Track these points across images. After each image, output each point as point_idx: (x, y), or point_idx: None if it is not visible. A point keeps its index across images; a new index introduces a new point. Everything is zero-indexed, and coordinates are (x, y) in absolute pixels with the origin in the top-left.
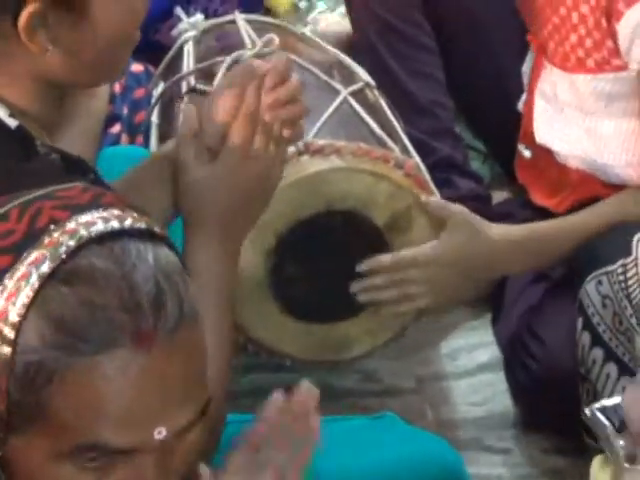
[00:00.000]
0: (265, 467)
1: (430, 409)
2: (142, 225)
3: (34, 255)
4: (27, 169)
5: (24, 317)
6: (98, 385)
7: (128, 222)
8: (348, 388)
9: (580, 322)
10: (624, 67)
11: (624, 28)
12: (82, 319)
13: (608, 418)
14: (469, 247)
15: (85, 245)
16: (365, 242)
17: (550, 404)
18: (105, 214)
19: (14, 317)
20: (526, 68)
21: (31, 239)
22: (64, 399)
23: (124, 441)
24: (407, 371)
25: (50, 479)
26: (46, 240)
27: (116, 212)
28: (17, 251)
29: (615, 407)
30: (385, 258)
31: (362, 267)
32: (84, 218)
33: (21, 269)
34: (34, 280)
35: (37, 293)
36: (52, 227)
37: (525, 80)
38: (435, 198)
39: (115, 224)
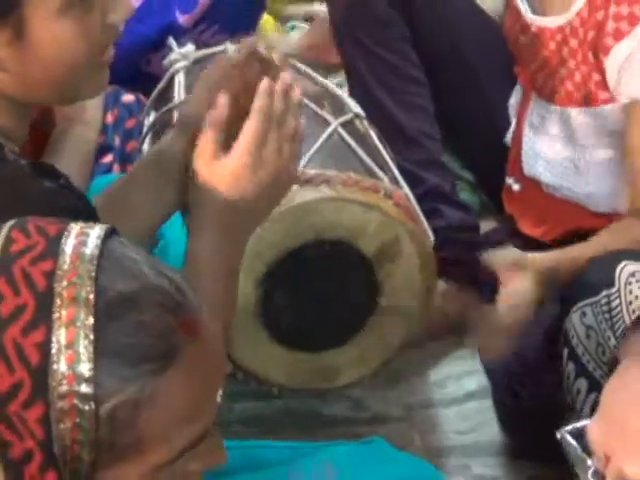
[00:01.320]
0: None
1: (418, 436)
2: (104, 227)
3: (65, 314)
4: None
5: (95, 369)
6: (179, 391)
7: (97, 230)
8: (337, 416)
9: (565, 352)
10: (611, 100)
11: (612, 63)
12: (145, 342)
13: (580, 440)
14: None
15: (97, 272)
16: (354, 272)
17: (537, 432)
18: (80, 237)
19: (86, 373)
20: (513, 101)
21: (46, 304)
22: (154, 421)
23: (203, 429)
24: (396, 399)
25: None
26: (65, 293)
27: (78, 228)
28: (44, 322)
29: (585, 428)
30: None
31: None
32: (68, 253)
33: (62, 333)
34: (83, 335)
35: (94, 343)
36: (57, 282)
37: (512, 113)
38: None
39: (96, 235)
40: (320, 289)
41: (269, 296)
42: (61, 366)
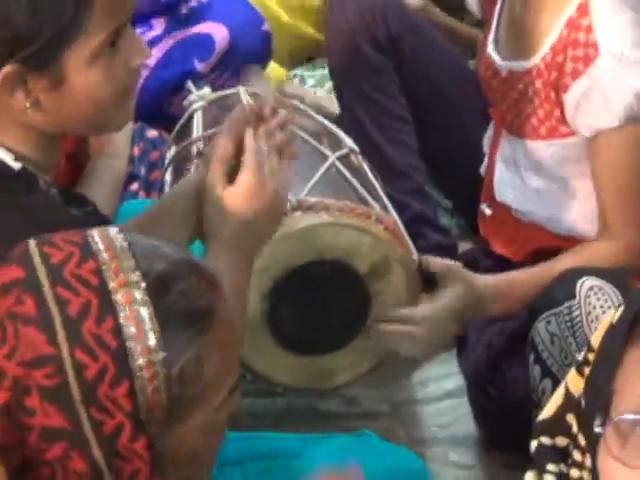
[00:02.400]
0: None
1: (403, 430)
2: (115, 226)
3: (123, 299)
4: (28, 203)
5: (160, 338)
6: (223, 344)
7: (112, 229)
8: (332, 411)
9: (532, 357)
10: (571, 134)
11: (570, 99)
12: (191, 306)
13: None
14: (466, 298)
15: (135, 259)
16: (348, 287)
17: (508, 426)
18: (104, 236)
19: (155, 343)
20: (487, 138)
21: (106, 295)
22: (210, 372)
23: (235, 381)
24: (383, 397)
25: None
26: (117, 282)
27: (97, 231)
28: (110, 310)
29: None
30: (404, 312)
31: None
32: (103, 250)
33: (127, 315)
34: (144, 312)
35: (154, 317)
36: (106, 275)
37: (485, 148)
38: (433, 258)
39: (115, 232)
40: (320, 302)
41: (275, 308)
42: (135, 342)
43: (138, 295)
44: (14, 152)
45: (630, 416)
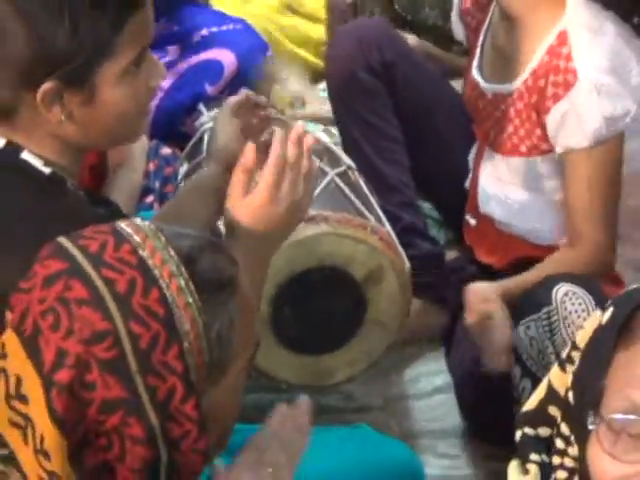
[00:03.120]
0: (266, 465)
1: (395, 423)
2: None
3: (164, 272)
4: (59, 205)
5: (200, 303)
6: (245, 309)
7: (136, 218)
8: (331, 406)
9: (514, 359)
10: (550, 151)
11: (551, 120)
12: (220, 274)
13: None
14: None
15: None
16: (346, 292)
17: (491, 420)
18: (131, 223)
19: (196, 308)
20: (472, 155)
21: (148, 270)
22: (239, 335)
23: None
24: (377, 393)
25: None
26: (154, 259)
27: (122, 220)
28: (154, 283)
29: None
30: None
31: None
32: (134, 234)
33: (170, 285)
34: (183, 282)
35: (192, 285)
36: (144, 254)
37: (471, 164)
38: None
39: (139, 220)
40: (320, 306)
41: (278, 311)
42: (178, 309)
43: (174, 268)
44: (43, 158)
45: (620, 416)
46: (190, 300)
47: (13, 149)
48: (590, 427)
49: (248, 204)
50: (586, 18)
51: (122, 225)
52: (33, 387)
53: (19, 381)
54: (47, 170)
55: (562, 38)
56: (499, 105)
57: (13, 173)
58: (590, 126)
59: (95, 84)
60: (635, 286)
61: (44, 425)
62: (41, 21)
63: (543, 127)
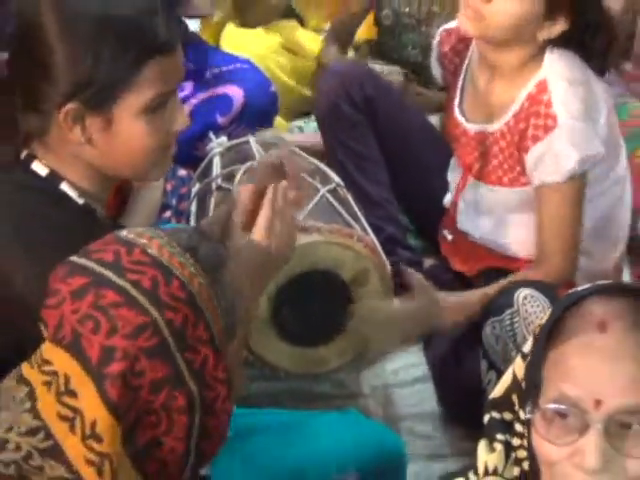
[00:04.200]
0: None
1: (380, 408)
2: None
3: (176, 264)
4: (89, 232)
5: (209, 282)
6: (240, 280)
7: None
8: (324, 393)
9: (481, 353)
10: (529, 183)
11: (530, 159)
12: (217, 254)
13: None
14: (427, 308)
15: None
16: (336, 292)
17: (463, 405)
18: (124, 232)
19: (206, 286)
20: (450, 175)
21: (165, 267)
22: (239, 303)
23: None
24: (365, 382)
25: None
26: (166, 256)
27: (126, 230)
28: (172, 275)
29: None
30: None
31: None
32: (145, 242)
33: (183, 272)
34: (192, 267)
35: (199, 266)
36: (154, 253)
37: (451, 184)
38: (414, 272)
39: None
40: (314, 304)
41: (278, 308)
42: (195, 289)
43: (182, 259)
44: (77, 188)
45: (552, 405)
46: (202, 281)
47: (54, 179)
48: (528, 416)
49: (246, 246)
50: (563, 69)
51: (124, 233)
52: (81, 382)
53: (67, 379)
54: (81, 201)
55: (542, 86)
56: (483, 142)
57: (53, 201)
58: (565, 165)
59: (113, 112)
60: (576, 288)
61: (96, 413)
62: (70, 47)
63: (522, 163)
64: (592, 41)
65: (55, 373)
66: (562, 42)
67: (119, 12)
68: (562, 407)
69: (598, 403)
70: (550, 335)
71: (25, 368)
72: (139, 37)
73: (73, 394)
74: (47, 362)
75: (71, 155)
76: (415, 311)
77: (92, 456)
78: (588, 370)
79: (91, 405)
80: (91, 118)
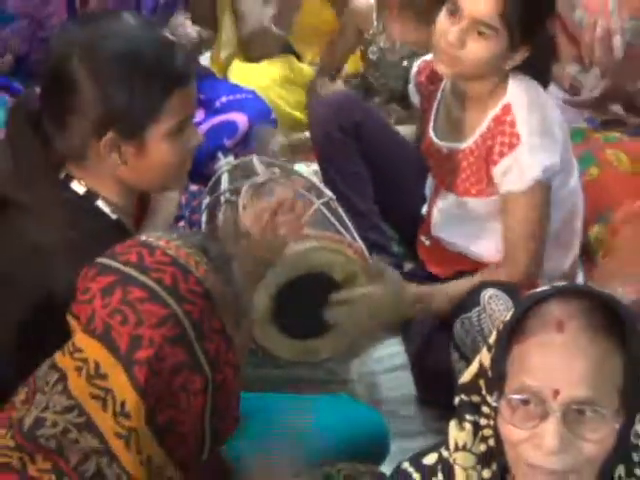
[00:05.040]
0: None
1: (366, 393)
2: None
3: (188, 261)
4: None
5: (221, 278)
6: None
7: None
8: (318, 379)
9: (452, 345)
10: (494, 193)
11: (497, 172)
12: (224, 254)
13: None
14: (393, 294)
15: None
16: (329, 291)
17: (437, 390)
18: (144, 236)
19: (220, 282)
20: (427, 189)
21: (183, 267)
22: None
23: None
24: (353, 369)
25: None
26: (184, 257)
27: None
28: (189, 272)
29: None
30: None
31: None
32: (163, 245)
33: (197, 268)
34: (205, 265)
35: (211, 266)
36: (173, 254)
37: (427, 192)
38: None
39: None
40: (309, 302)
41: (279, 306)
42: (209, 284)
43: (197, 257)
44: (110, 204)
45: (516, 396)
46: (214, 277)
47: (91, 196)
48: (494, 404)
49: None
50: (524, 94)
51: (144, 237)
52: (111, 367)
53: (97, 365)
54: (114, 216)
55: (506, 109)
56: (453, 158)
57: (90, 215)
58: (529, 175)
59: (145, 139)
60: (535, 290)
61: (125, 393)
62: (106, 85)
63: (489, 176)
64: (544, 63)
65: (85, 360)
66: (521, 67)
67: (145, 52)
68: (525, 397)
69: (556, 393)
70: (513, 332)
71: (58, 356)
72: (163, 74)
73: (103, 377)
74: (79, 350)
75: (105, 175)
76: (385, 293)
77: (121, 430)
78: (548, 365)
79: (121, 387)
80: (126, 145)
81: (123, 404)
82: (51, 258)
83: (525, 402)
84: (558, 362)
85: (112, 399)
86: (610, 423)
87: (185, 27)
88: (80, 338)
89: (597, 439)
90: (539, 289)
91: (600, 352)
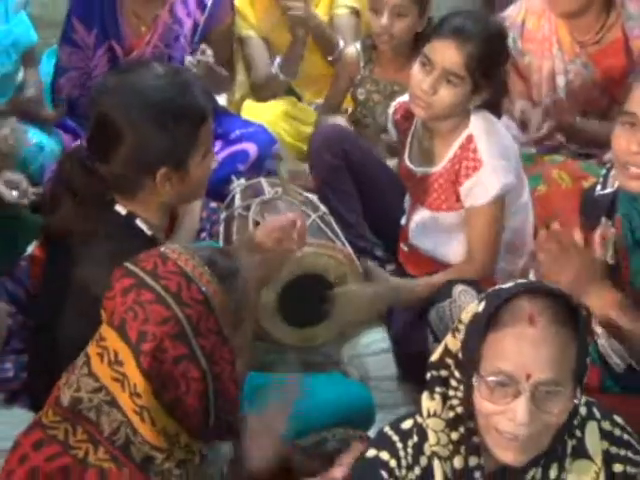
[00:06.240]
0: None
1: (356, 372)
2: None
3: (194, 272)
4: None
5: (223, 288)
6: (246, 284)
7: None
8: (315, 361)
9: (428, 331)
10: (461, 208)
11: (463, 190)
12: (230, 267)
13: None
14: (380, 288)
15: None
16: (324, 289)
17: (415, 368)
18: (162, 248)
19: (221, 291)
20: (405, 205)
21: (186, 274)
22: (244, 303)
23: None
24: (345, 352)
25: None
26: (190, 268)
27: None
28: (196, 283)
29: None
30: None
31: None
32: (174, 257)
33: (201, 279)
34: (209, 276)
35: (215, 276)
36: (181, 264)
37: (406, 210)
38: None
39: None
40: (307, 297)
41: (283, 300)
42: (211, 293)
43: (202, 269)
44: (147, 222)
45: (493, 378)
46: (216, 287)
47: (131, 217)
48: (475, 384)
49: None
50: (484, 126)
51: (163, 249)
52: (126, 355)
53: (116, 353)
54: (150, 233)
55: (470, 139)
56: (426, 180)
57: (130, 232)
58: (491, 192)
59: (189, 166)
60: (501, 286)
61: (136, 377)
62: (150, 132)
63: (457, 194)
64: (497, 100)
65: (106, 348)
66: (481, 104)
67: (176, 98)
68: (501, 379)
69: (528, 376)
70: (488, 324)
71: (90, 343)
72: (194, 113)
73: (121, 364)
74: (103, 339)
75: (150, 201)
76: (377, 290)
77: (136, 407)
78: (521, 353)
79: (132, 372)
80: (174, 174)
81: (135, 386)
82: (104, 271)
83: (500, 383)
84: (530, 351)
85: (127, 382)
86: (567, 398)
87: (207, 55)
88: (105, 329)
89: (557, 412)
90: (505, 286)
91: (563, 341)
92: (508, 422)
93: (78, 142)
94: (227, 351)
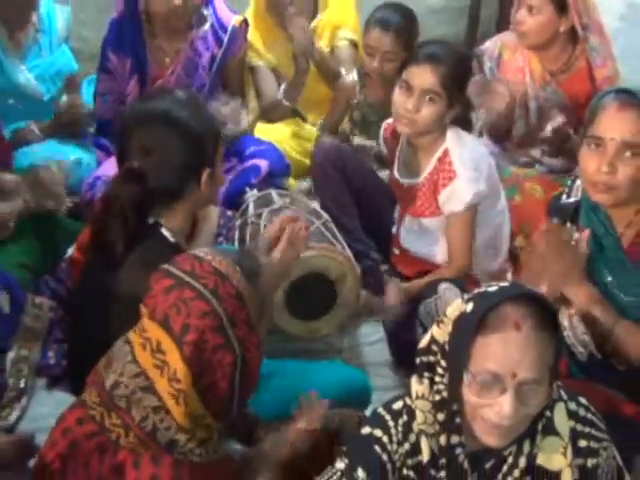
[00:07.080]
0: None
1: (355, 359)
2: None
3: (227, 271)
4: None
5: (251, 284)
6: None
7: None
8: (318, 349)
9: (417, 323)
10: (441, 214)
11: (442, 198)
12: (254, 267)
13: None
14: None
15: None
16: (325, 286)
17: (407, 356)
18: (195, 251)
19: (248, 287)
20: (396, 213)
21: (221, 273)
22: (265, 299)
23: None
24: (345, 341)
25: None
26: (223, 266)
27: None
28: (228, 280)
29: None
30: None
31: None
32: (209, 259)
33: (232, 276)
34: (239, 274)
35: (242, 275)
36: (216, 265)
37: (396, 218)
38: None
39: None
40: (311, 294)
41: (290, 296)
42: (242, 289)
43: (234, 269)
44: (170, 230)
45: (481, 377)
46: (245, 284)
47: (157, 226)
48: (465, 380)
49: (266, 262)
50: (458, 140)
51: (197, 252)
52: (168, 345)
53: (159, 342)
54: (173, 240)
55: (446, 153)
56: (411, 190)
57: (156, 240)
58: (465, 199)
59: (216, 168)
60: (487, 289)
61: (177, 364)
62: (196, 140)
63: (437, 201)
64: (466, 115)
65: (148, 339)
66: (453, 121)
67: (203, 114)
68: (489, 378)
69: (514, 376)
70: (477, 328)
71: (131, 333)
72: (216, 125)
73: (163, 352)
74: (145, 330)
75: (179, 207)
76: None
77: (173, 391)
78: (508, 355)
79: (174, 359)
80: (212, 175)
81: (175, 372)
82: (134, 274)
83: (488, 381)
84: (516, 353)
85: (168, 368)
86: (545, 392)
87: (227, 107)
88: (146, 322)
89: (536, 404)
90: (491, 289)
91: (544, 343)
92: (494, 414)
93: (113, 159)
94: (255, 337)
